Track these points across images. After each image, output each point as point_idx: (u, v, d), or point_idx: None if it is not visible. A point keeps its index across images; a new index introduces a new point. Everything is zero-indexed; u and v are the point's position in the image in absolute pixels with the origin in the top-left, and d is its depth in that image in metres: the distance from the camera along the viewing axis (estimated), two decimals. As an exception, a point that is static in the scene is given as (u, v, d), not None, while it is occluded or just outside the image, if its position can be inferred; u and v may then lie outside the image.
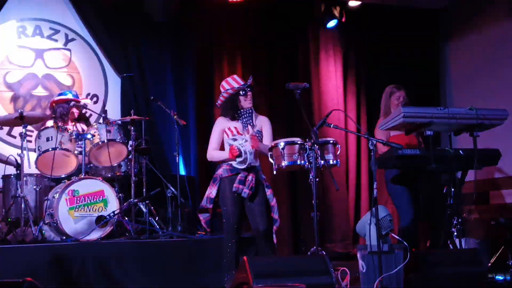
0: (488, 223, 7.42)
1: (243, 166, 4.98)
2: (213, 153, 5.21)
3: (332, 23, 8.49)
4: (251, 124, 5.16)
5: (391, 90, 5.86)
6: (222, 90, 5.23)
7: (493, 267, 6.18)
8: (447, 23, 9.30)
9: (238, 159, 4.97)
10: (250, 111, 5.19)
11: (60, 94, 7.00)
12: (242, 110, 5.17)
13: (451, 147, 5.21)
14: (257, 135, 5.11)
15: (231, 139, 5.06)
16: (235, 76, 5.33)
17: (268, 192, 5.14)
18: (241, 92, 5.14)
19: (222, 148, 5.26)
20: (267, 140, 5.20)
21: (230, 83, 5.19)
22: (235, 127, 5.15)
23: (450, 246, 5.30)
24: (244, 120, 5.15)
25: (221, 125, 5.21)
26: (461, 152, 5.12)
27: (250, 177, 5.00)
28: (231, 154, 4.98)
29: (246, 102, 5.15)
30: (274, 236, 5.10)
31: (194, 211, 7.00)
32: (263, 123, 5.26)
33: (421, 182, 5.51)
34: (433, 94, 9.12)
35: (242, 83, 5.17)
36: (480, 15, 8.70)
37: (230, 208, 5.04)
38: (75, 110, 6.83)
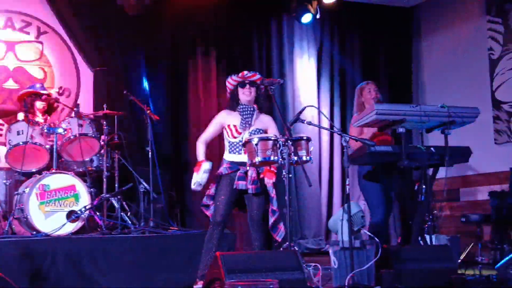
0: (458, 220, 7.53)
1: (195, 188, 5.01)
2: (199, 145, 5.14)
3: (307, 18, 8.43)
4: (250, 123, 5.08)
5: (361, 86, 5.98)
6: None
7: (463, 263, 6.27)
8: (420, 20, 9.39)
9: (192, 181, 4.99)
10: (252, 109, 5.11)
11: (29, 87, 6.91)
12: (242, 105, 5.09)
13: (423, 144, 5.25)
14: (256, 133, 5.01)
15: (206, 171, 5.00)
16: (245, 71, 5.20)
17: (268, 184, 5.11)
18: (239, 85, 5.10)
19: (218, 141, 5.08)
20: None
21: (233, 77, 5.14)
22: (234, 125, 5.07)
23: (421, 242, 5.34)
24: (244, 117, 5.08)
25: (222, 119, 5.16)
26: (432, 149, 5.16)
27: (250, 172, 4.95)
28: (196, 169, 4.99)
29: (244, 96, 5.08)
30: (279, 226, 5.09)
31: (167, 206, 6.98)
32: (266, 123, 5.20)
33: (393, 178, 5.55)
34: (406, 91, 9.20)
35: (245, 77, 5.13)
36: (452, 13, 8.81)
37: (221, 204, 4.98)
38: (40, 103, 6.72)
